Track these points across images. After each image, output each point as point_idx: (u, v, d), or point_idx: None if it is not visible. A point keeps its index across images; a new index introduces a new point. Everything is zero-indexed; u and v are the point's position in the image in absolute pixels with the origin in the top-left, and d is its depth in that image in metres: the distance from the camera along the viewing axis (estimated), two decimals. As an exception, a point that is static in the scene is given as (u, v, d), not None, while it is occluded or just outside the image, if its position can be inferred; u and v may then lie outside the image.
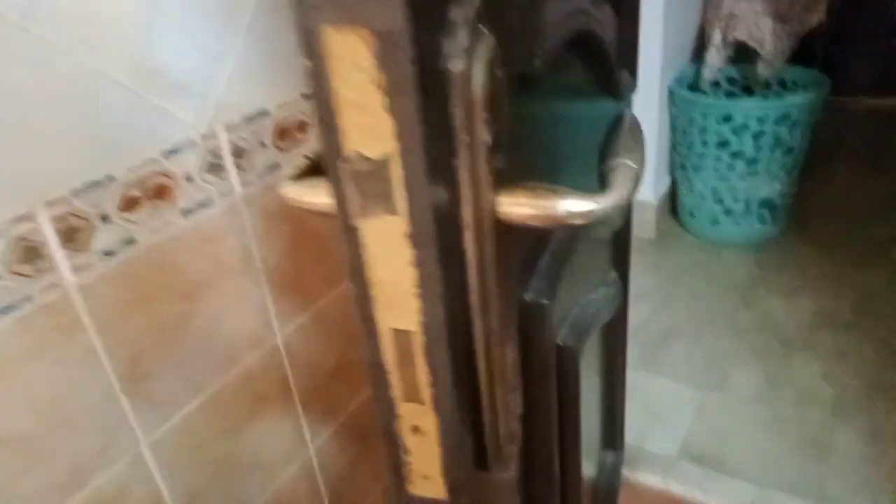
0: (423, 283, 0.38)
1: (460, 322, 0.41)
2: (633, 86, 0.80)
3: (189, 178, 0.94)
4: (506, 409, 0.46)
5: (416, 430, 0.45)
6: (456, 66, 0.34)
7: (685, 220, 2.52)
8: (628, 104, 0.86)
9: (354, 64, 0.32)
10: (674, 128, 2.41)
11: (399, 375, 0.43)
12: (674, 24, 2.25)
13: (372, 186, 0.35)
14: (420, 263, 0.37)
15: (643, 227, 2.45)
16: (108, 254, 0.86)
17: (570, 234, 0.63)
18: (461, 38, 0.34)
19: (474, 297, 0.41)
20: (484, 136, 0.36)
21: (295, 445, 1.26)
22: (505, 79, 0.38)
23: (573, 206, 0.39)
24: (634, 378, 1.67)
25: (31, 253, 0.77)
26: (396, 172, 0.34)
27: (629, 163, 0.43)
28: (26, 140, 0.74)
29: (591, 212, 0.39)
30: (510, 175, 0.40)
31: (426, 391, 0.42)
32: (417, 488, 0.45)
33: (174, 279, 0.96)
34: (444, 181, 0.36)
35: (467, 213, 0.38)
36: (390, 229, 0.37)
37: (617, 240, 0.91)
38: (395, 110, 0.33)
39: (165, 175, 0.90)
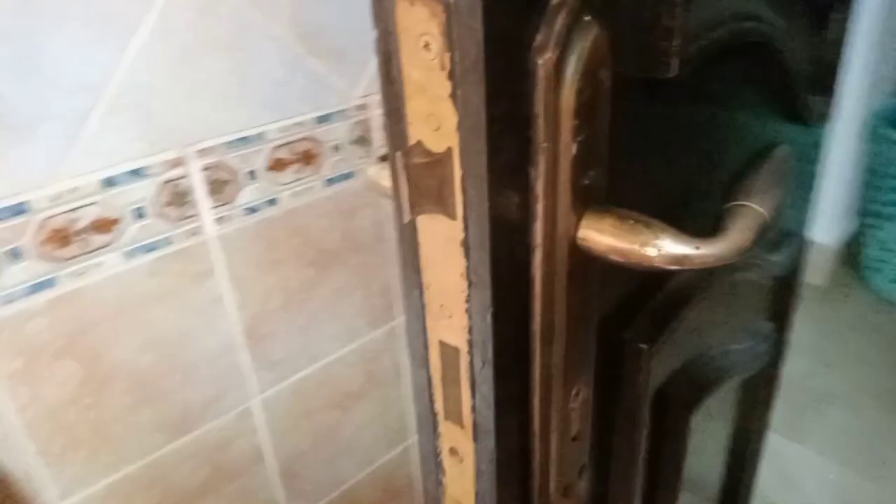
0: (474, 299, 0.34)
1: (516, 350, 0.36)
2: (827, 114, 0.69)
3: (337, 147, 0.96)
4: (560, 456, 0.40)
5: (453, 452, 0.41)
6: (544, 57, 0.29)
7: (865, 272, 2.19)
8: (822, 134, 0.74)
9: (423, 41, 0.29)
10: (868, 168, 2.10)
11: (442, 392, 0.39)
12: (880, 50, 1.95)
13: (428, 183, 0.32)
14: (473, 276, 0.33)
15: (814, 273, 2.17)
16: (250, 210, 0.91)
17: (703, 274, 0.55)
18: (556, 24, 0.29)
19: (536, 327, 0.36)
20: (570, 145, 0.31)
21: (398, 433, 1.27)
22: (609, 82, 0.33)
23: (665, 246, 0.33)
24: (774, 441, 1.48)
25: (179, 198, 0.83)
26: (456, 171, 0.31)
27: (756, 207, 0.35)
28: (186, 86, 0.79)
29: (686, 257, 0.33)
30: (600, 196, 0.35)
31: (468, 415, 0.38)
32: (449, 518, 0.42)
33: (307, 246, 0.99)
34: (513, 190, 0.32)
35: (538, 232, 0.34)
36: (445, 233, 0.33)
37: (780, 287, 0.79)
38: (461, 99, 0.29)
39: (314, 140, 0.93)
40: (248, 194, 0.89)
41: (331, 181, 0.97)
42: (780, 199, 0.37)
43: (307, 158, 0.93)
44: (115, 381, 0.84)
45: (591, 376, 0.42)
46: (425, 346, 0.38)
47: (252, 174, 0.88)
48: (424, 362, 0.39)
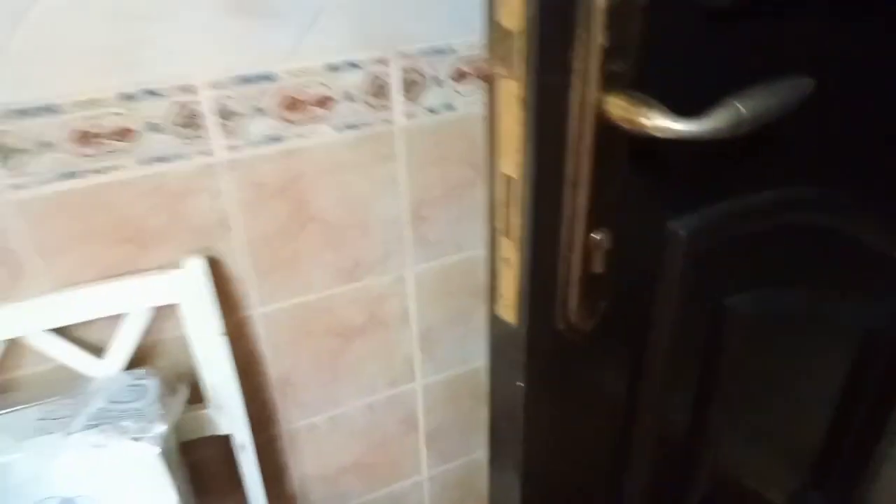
0: (525, 140, 0.51)
1: (553, 186, 0.53)
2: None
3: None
4: (580, 282, 0.57)
5: (506, 261, 0.59)
6: None
7: None
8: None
9: None
10: None
11: (503, 213, 0.57)
12: None
13: (501, 50, 0.49)
14: (524, 124, 0.50)
15: None
16: (432, 111, 1.13)
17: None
18: None
19: (568, 170, 0.53)
20: (600, 38, 0.47)
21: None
22: (643, 1, 0.47)
23: (655, 118, 0.47)
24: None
25: (379, 90, 1.07)
26: (519, 44, 0.48)
27: (738, 105, 0.47)
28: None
29: (667, 128, 0.47)
30: (625, 82, 0.50)
31: (516, 229, 0.56)
32: (500, 308, 0.60)
33: (471, 151, 1.20)
34: (557, 65, 0.49)
35: (574, 100, 0.50)
36: (510, 90, 0.51)
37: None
38: None
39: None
40: (432, 97, 1.12)
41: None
42: (765, 106, 0.48)
43: (483, 74, 1.12)
44: (312, 224, 1.13)
45: (616, 228, 0.57)
46: (494, 177, 0.56)
47: (438, 81, 1.10)
48: (493, 189, 0.57)
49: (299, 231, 1.14)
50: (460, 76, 1.13)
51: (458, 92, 1.13)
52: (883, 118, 0.72)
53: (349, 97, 1.07)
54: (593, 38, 0.46)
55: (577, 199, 0.52)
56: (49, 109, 0.90)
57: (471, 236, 1.27)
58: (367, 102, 1.07)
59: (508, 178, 0.53)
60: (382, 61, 1.06)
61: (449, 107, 1.14)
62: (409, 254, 1.25)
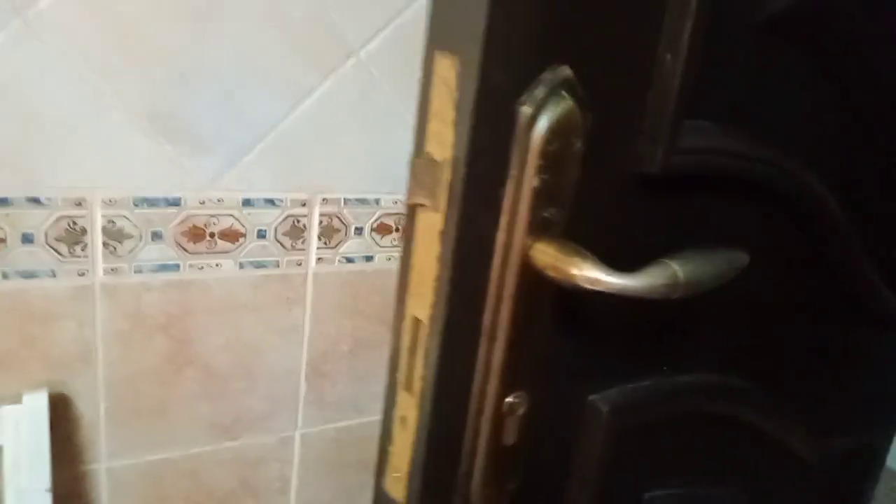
0: (439, 279, 0.46)
1: (467, 331, 0.48)
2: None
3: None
4: (488, 457, 0.49)
5: (403, 420, 0.51)
6: (523, 109, 0.44)
7: None
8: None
9: (444, 81, 0.44)
10: None
11: (406, 361, 0.51)
12: None
13: (426, 180, 0.46)
14: (442, 260, 0.46)
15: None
16: (349, 260, 1.09)
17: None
18: (537, 90, 0.44)
19: (485, 319, 0.48)
20: (532, 180, 0.45)
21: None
22: (581, 147, 0.46)
23: (586, 269, 0.44)
24: None
25: (295, 232, 1.03)
26: (445, 176, 0.45)
27: (674, 266, 0.45)
28: (329, 148, 1.02)
29: (598, 280, 0.43)
30: (557, 229, 0.47)
31: (418, 382, 0.49)
32: (387, 483, 0.51)
33: (386, 305, 1.15)
34: (485, 203, 0.46)
35: (499, 241, 0.46)
36: (430, 223, 0.47)
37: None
38: (458, 125, 0.44)
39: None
40: (350, 245, 1.08)
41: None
42: (700, 272, 0.46)
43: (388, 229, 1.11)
44: (190, 368, 1.02)
45: (533, 394, 0.51)
46: (401, 319, 0.51)
47: (359, 230, 1.07)
48: (398, 334, 0.51)
49: (174, 375, 1.02)
50: (383, 229, 1.11)
51: (378, 244, 1.11)
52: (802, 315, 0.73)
53: (261, 234, 1.02)
54: (526, 179, 0.44)
55: (494, 352, 0.47)
56: None
57: (374, 401, 1.18)
58: (279, 242, 1.03)
59: (417, 322, 0.48)
60: (304, 203, 1.03)
61: (368, 258, 1.11)
62: (301, 413, 1.14)
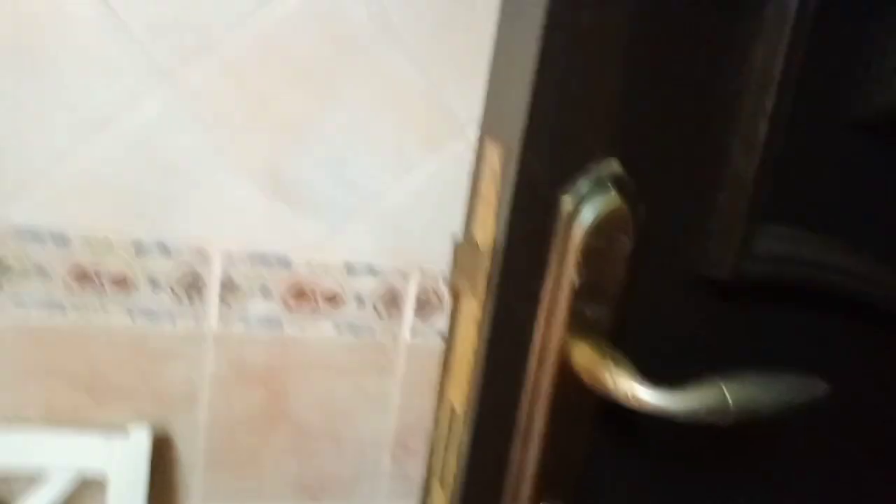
0: (475, 370, 0.45)
1: (500, 428, 0.46)
2: None
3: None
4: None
5: (433, 514, 0.50)
6: (566, 201, 0.43)
7: None
8: None
9: (491, 167, 0.45)
10: None
11: (441, 453, 0.49)
12: None
13: (468, 266, 0.46)
14: (477, 350, 0.45)
15: None
16: (441, 335, 1.10)
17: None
18: (580, 183, 0.43)
19: (519, 418, 0.46)
20: (573, 278, 0.43)
21: None
22: (629, 245, 0.44)
23: (620, 380, 0.41)
24: None
25: (392, 301, 1.06)
26: (486, 262, 0.44)
27: (724, 388, 0.40)
28: (431, 219, 1.04)
29: (633, 395, 0.40)
30: (599, 328, 0.44)
31: (450, 476, 0.47)
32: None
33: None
34: (522, 294, 0.44)
35: (537, 335, 0.45)
36: (470, 311, 0.46)
37: None
38: (499, 213, 0.44)
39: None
40: (444, 321, 1.08)
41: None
42: (755, 399, 0.41)
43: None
44: (285, 422, 1.06)
45: (572, 501, 0.48)
46: (441, 408, 0.50)
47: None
48: (438, 423, 0.50)
49: (269, 427, 1.06)
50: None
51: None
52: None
53: (359, 300, 1.05)
54: (566, 274, 0.42)
55: (528, 454, 0.45)
56: (58, 238, 0.92)
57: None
58: (376, 310, 1.05)
59: (454, 412, 0.46)
60: (402, 273, 1.05)
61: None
62: (384, 486, 1.13)
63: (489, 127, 0.46)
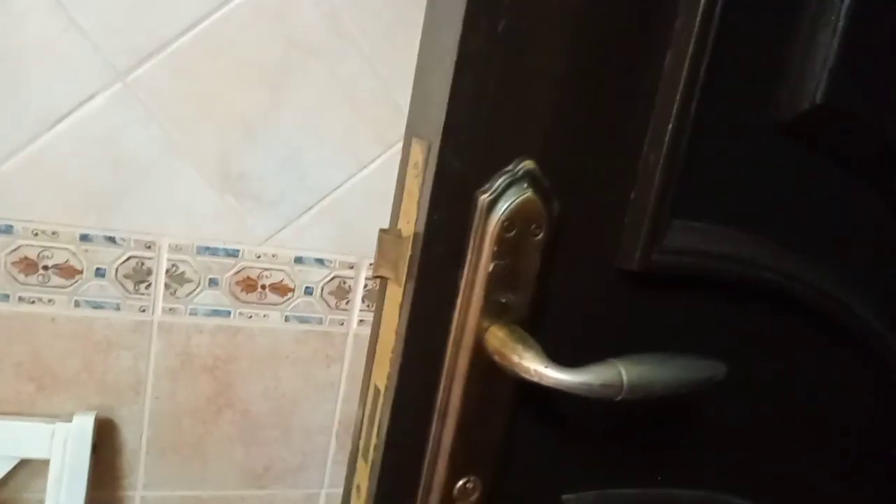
0: (396, 351, 0.48)
1: (418, 406, 0.48)
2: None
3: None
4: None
5: (358, 489, 0.52)
6: (482, 196, 0.46)
7: None
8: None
9: (415, 164, 0.47)
10: None
11: (366, 430, 0.52)
12: None
13: (392, 254, 0.48)
14: (398, 333, 0.48)
15: None
16: (388, 326, 1.12)
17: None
18: (498, 180, 0.45)
19: (436, 397, 0.48)
20: (488, 265, 0.46)
21: None
22: (542, 237, 0.47)
23: (527, 358, 0.44)
24: None
25: (341, 292, 1.08)
26: (408, 251, 0.47)
27: (621, 368, 0.43)
28: (382, 212, 1.06)
29: (535, 371, 0.43)
30: (514, 315, 0.47)
31: (372, 452, 0.50)
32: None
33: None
34: (441, 281, 0.47)
35: (454, 320, 0.47)
36: (393, 296, 0.49)
37: None
38: (420, 206, 0.46)
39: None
40: (392, 312, 1.11)
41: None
42: (650, 378, 0.45)
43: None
44: (230, 411, 1.07)
45: (489, 481, 0.51)
46: (366, 388, 0.52)
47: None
48: (363, 401, 0.52)
49: (214, 415, 1.07)
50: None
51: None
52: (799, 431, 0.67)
53: (308, 291, 1.07)
54: (482, 263, 0.45)
55: (445, 431, 0.47)
56: (3, 228, 0.91)
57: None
58: (325, 300, 1.07)
59: (377, 391, 0.49)
60: (352, 266, 1.07)
61: (407, 326, 1.13)
62: (329, 471, 1.15)
63: (414, 125, 0.48)
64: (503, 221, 0.46)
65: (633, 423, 0.56)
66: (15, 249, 0.92)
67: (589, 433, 0.56)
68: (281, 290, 1.05)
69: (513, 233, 0.47)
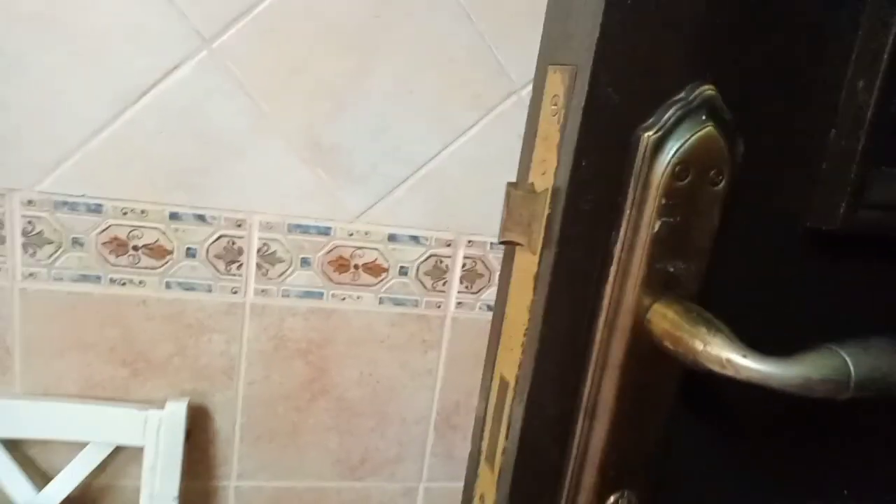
0: (529, 334, 0.38)
1: (560, 403, 0.39)
2: None
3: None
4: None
5: (482, 499, 0.43)
6: (647, 134, 0.35)
7: None
8: None
9: (553, 98, 0.37)
10: None
11: (490, 430, 0.42)
12: None
13: (523, 215, 0.38)
14: (533, 312, 0.38)
15: None
16: (489, 308, 1.03)
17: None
18: (667, 112, 0.35)
19: (583, 392, 0.38)
20: (653, 223, 0.35)
21: None
22: (724, 187, 0.36)
23: (714, 344, 0.33)
24: None
25: (438, 272, 0.99)
26: (545, 210, 0.37)
27: (844, 354, 0.32)
28: (479, 186, 0.97)
29: (728, 361, 0.32)
30: (683, 288, 0.37)
31: (500, 457, 0.40)
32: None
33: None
34: (588, 244, 0.37)
35: (606, 297, 0.37)
36: (525, 266, 0.39)
37: None
38: (561, 150, 0.36)
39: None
40: (493, 293, 1.01)
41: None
42: (885, 368, 0.33)
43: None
44: (325, 398, 1.01)
45: (646, 493, 0.40)
46: (489, 379, 0.42)
47: (503, 277, 1.00)
48: (485, 395, 0.43)
49: (309, 402, 1.01)
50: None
51: (522, 295, 1.03)
52: None
53: (403, 272, 0.99)
54: (645, 221, 0.34)
55: (593, 434, 0.37)
56: (93, 209, 0.87)
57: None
58: (420, 281, 0.99)
59: (505, 383, 0.39)
60: (449, 244, 0.98)
61: (509, 308, 1.03)
62: (427, 464, 1.07)
63: (551, 53, 0.38)
64: (674, 165, 0.35)
65: (823, 425, 0.44)
66: (105, 229, 0.88)
67: (769, 437, 0.44)
68: (374, 270, 0.98)
69: (686, 180, 0.36)
